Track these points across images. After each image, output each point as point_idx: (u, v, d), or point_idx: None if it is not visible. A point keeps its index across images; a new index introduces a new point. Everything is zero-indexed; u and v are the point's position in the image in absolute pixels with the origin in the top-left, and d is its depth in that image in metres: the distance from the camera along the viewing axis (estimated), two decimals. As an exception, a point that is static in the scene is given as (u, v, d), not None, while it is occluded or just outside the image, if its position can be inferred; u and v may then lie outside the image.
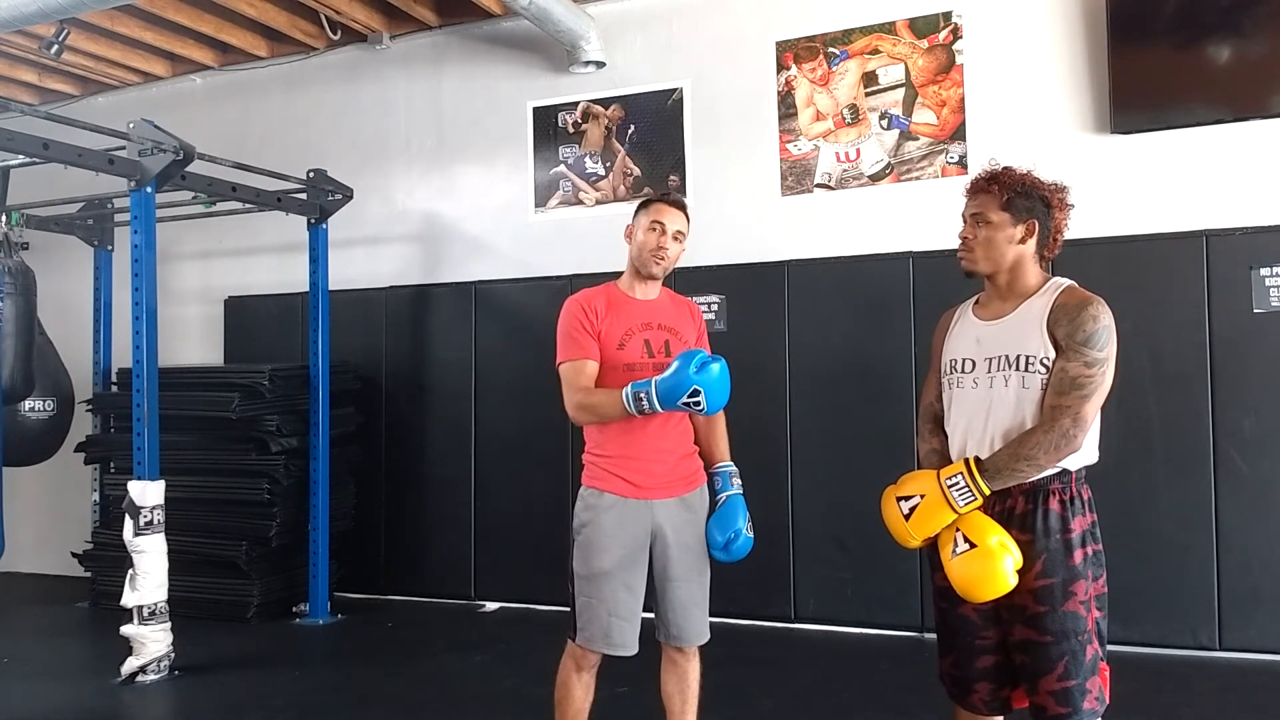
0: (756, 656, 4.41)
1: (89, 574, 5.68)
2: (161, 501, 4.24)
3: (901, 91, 4.93)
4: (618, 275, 2.81)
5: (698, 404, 2.43)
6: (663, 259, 2.70)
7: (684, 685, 2.75)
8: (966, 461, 2.14)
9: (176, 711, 4.01)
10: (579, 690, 2.70)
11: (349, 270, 5.85)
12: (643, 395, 2.47)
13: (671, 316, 2.78)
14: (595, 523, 2.63)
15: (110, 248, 6.06)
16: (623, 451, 2.63)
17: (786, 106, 5.14)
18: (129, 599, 4.17)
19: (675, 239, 2.71)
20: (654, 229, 2.69)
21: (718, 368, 2.45)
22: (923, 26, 4.89)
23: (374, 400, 5.85)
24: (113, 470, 5.73)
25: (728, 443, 2.84)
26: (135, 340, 4.29)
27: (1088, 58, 4.60)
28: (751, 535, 2.69)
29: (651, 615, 2.70)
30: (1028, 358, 2.14)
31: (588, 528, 2.64)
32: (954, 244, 2.32)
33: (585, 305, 2.70)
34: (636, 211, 2.78)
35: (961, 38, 4.82)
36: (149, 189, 4.31)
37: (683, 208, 2.76)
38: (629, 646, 2.63)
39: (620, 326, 2.68)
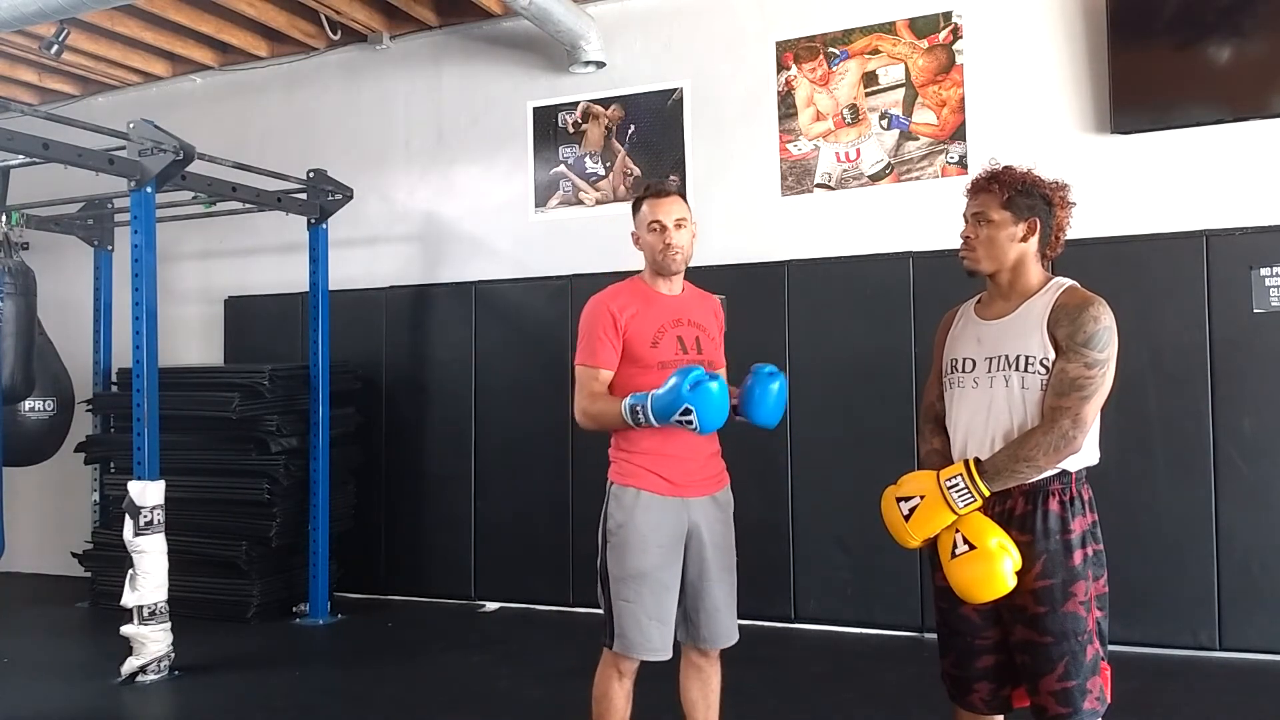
0: (756, 656, 4.39)
1: (89, 574, 5.68)
2: (161, 501, 4.24)
3: (901, 91, 4.93)
4: (618, 275, 2.78)
5: (690, 422, 2.34)
6: (676, 254, 2.60)
7: (708, 690, 2.69)
8: (966, 463, 2.14)
9: (176, 711, 4.01)
10: (620, 699, 2.58)
11: (349, 270, 5.85)
12: (639, 409, 2.40)
13: (698, 313, 2.70)
14: (632, 522, 2.53)
15: (110, 248, 6.06)
16: (657, 449, 2.53)
17: (786, 106, 5.14)
18: (129, 599, 4.17)
19: (678, 227, 2.60)
20: (654, 229, 2.60)
21: (716, 386, 2.35)
22: (923, 26, 4.89)
23: (374, 400, 5.85)
24: (113, 470, 5.72)
25: None
26: (135, 340, 4.29)
27: (1088, 58, 4.60)
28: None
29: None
30: (1028, 358, 2.14)
31: (624, 528, 2.53)
32: (954, 244, 2.32)
33: (613, 308, 2.59)
34: (633, 215, 2.68)
35: (961, 38, 4.82)
36: (149, 189, 4.30)
37: (673, 193, 2.64)
38: (665, 651, 2.54)
39: (652, 324, 2.59)
